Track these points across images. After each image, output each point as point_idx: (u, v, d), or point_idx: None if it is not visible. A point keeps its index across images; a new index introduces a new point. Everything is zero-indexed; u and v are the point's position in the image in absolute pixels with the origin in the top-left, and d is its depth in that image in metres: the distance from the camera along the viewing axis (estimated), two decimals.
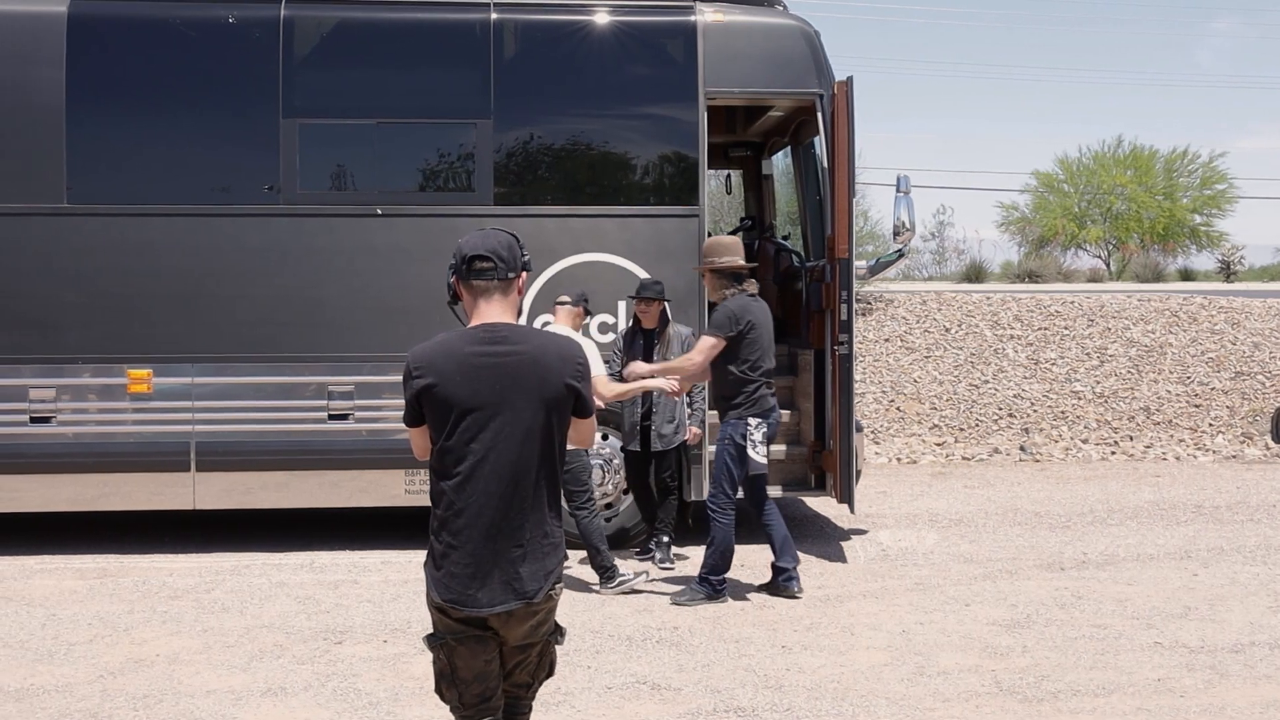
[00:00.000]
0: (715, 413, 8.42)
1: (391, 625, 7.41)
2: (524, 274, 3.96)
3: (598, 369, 7.79)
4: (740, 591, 8.19)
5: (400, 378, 3.92)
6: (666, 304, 8.91)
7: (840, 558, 9.17)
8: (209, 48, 9.42)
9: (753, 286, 8.14)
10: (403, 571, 8.76)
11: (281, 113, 9.31)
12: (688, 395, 8.95)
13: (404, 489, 9.34)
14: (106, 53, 9.39)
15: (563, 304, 8.63)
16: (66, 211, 9.21)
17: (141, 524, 10.07)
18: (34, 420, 9.20)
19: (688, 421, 9.01)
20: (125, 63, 9.42)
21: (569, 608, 7.77)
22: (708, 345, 7.88)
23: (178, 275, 9.26)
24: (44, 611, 7.76)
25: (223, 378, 9.30)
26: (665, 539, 9.00)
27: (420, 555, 8.66)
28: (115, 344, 9.23)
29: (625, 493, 9.41)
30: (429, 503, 8.82)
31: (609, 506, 9.47)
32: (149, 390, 9.25)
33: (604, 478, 9.44)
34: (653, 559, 8.97)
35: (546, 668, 4.06)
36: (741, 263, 8.12)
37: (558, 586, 3.90)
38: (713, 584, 7.91)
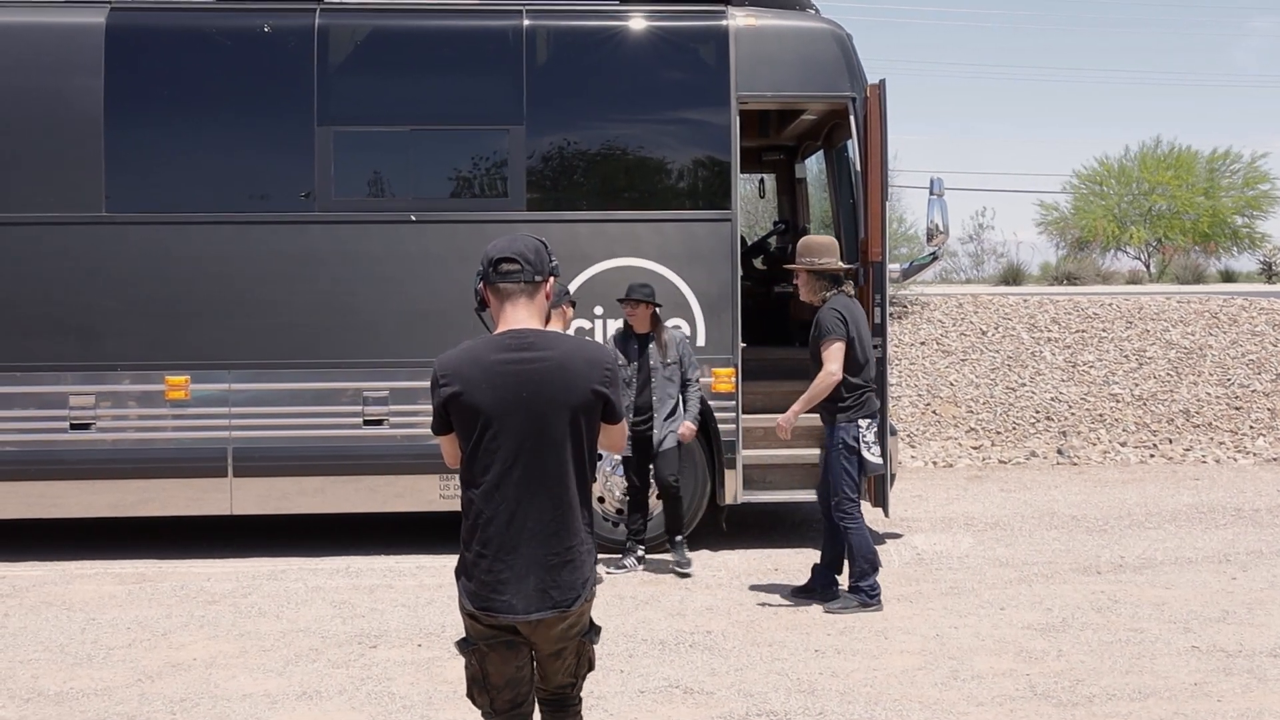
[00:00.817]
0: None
1: (426, 629, 7.45)
2: (551, 279, 3.94)
3: None
4: (774, 596, 8.18)
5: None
6: (657, 308, 8.83)
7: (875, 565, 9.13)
8: (245, 56, 9.51)
9: (850, 288, 8.10)
10: (437, 576, 8.80)
11: (316, 120, 9.39)
12: (682, 391, 8.86)
13: (439, 494, 9.39)
14: (144, 62, 9.49)
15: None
16: (105, 220, 9.32)
17: (179, 529, 10.17)
18: (74, 427, 9.31)
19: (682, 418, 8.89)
20: (162, 72, 9.52)
21: (602, 612, 7.79)
22: (838, 351, 7.71)
23: (214, 282, 9.35)
24: (84, 616, 7.85)
25: (259, 384, 9.38)
26: (678, 539, 8.96)
27: (454, 560, 8.72)
28: (153, 351, 9.33)
29: (656, 497, 9.36)
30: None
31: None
32: (187, 397, 9.34)
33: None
34: (637, 562, 9.03)
35: (586, 664, 4.04)
36: (841, 264, 8.07)
37: (591, 592, 3.89)
38: (865, 591, 7.78)
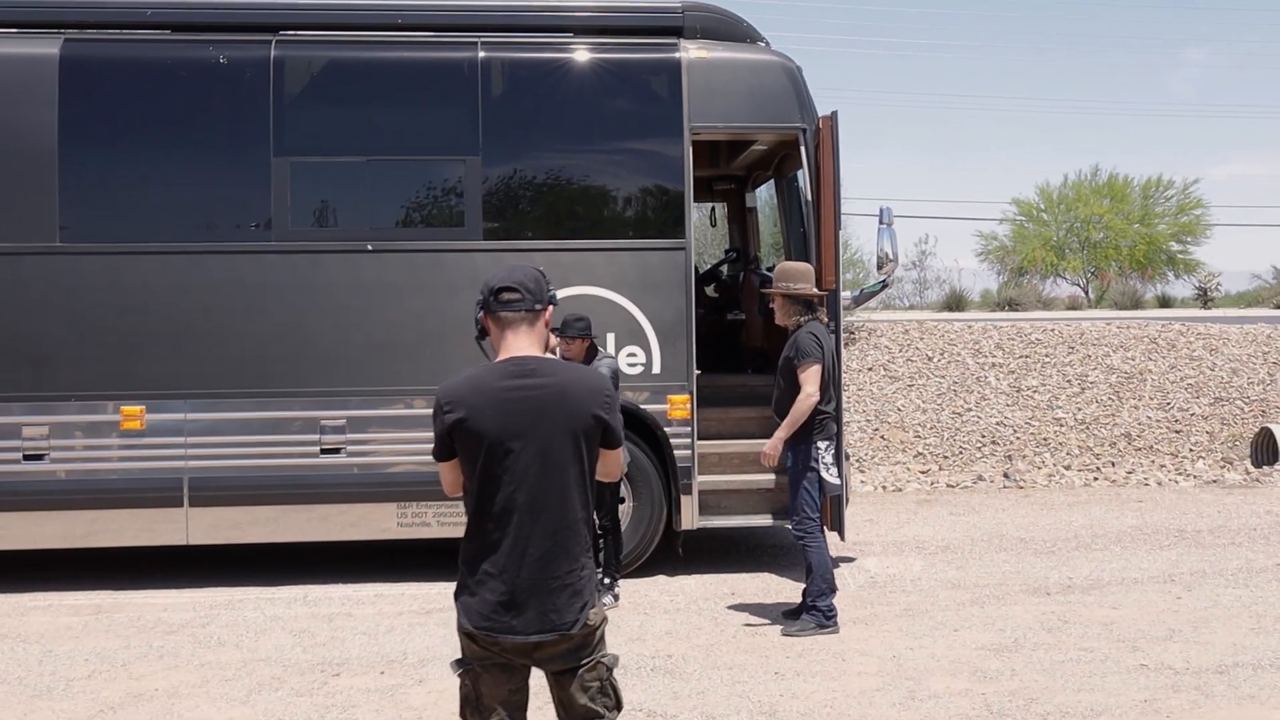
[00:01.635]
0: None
1: (388, 657, 7.48)
2: (550, 307, 4.03)
3: None
4: (731, 619, 8.28)
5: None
6: (595, 339, 8.74)
7: (830, 588, 9.24)
8: (200, 87, 9.53)
9: (824, 314, 8.27)
10: (396, 604, 8.83)
11: (273, 151, 9.43)
12: None
13: (396, 522, 9.40)
14: (98, 93, 9.49)
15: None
16: (59, 250, 9.30)
17: (135, 560, 10.11)
18: (27, 458, 9.26)
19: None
20: (117, 102, 9.52)
21: None
22: (815, 373, 7.87)
23: (170, 312, 9.34)
24: (40, 648, 7.80)
25: (215, 414, 9.37)
26: (606, 581, 8.77)
27: (413, 588, 8.78)
28: (108, 381, 9.30)
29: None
30: (420, 535, 8.92)
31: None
32: (142, 427, 9.32)
33: None
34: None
35: (614, 699, 3.99)
36: (816, 290, 8.23)
37: (593, 615, 3.93)
38: (822, 611, 7.89)
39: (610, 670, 4.00)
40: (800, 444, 7.93)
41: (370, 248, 9.50)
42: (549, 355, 4.12)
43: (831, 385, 8.09)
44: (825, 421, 7.99)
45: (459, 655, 3.98)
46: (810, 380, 7.87)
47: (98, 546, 9.40)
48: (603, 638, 3.99)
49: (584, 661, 3.93)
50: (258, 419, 9.37)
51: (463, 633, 3.92)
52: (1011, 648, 7.47)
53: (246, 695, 6.77)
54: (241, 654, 7.61)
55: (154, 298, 9.35)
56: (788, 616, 8.19)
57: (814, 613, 7.91)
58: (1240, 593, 8.84)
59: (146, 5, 9.70)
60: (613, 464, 4.07)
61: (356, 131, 9.70)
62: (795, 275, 8.18)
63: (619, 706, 4.02)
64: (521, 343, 3.94)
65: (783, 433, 7.96)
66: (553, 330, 8.81)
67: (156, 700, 6.71)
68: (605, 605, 8.81)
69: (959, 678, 6.89)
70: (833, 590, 7.98)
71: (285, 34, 9.67)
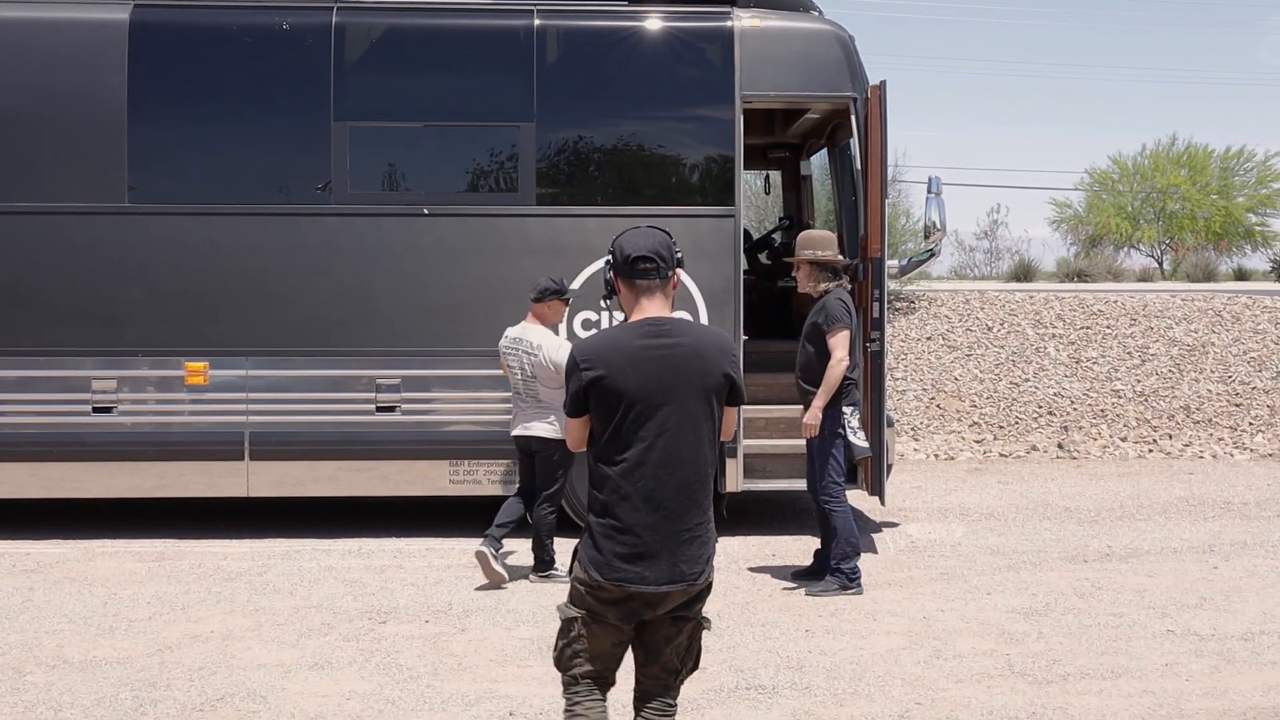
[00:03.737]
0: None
1: (434, 607, 7.76)
2: (679, 270, 4.19)
3: None
4: (769, 580, 8.47)
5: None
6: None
7: (870, 549, 9.41)
8: (263, 53, 9.83)
9: (847, 281, 8.45)
10: (446, 558, 9.11)
11: (333, 116, 9.69)
12: None
13: (449, 479, 9.68)
14: (166, 58, 9.81)
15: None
16: (128, 211, 9.64)
17: (197, 510, 10.50)
18: (96, 410, 9.64)
19: None
20: (184, 68, 9.83)
21: None
22: (845, 339, 8.06)
23: (233, 272, 9.67)
24: (105, 591, 8.17)
25: (276, 370, 9.70)
26: None
27: (463, 543, 9.03)
28: (174, 337, 9.65)
29: None
30: (471, 493, 9.15)
31: None
32: (205, 382, 9.66)
33: None
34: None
35: (694, 658, 4.20)
36: (841, 258, 8.41)
37: (712, 568, 4.10)
38: (845, 573, 8.05)
39: (702, 631, 4.19)
40: (827, 410, 8.09)
41: (426, 211, 9.74)
42: (681, 315, 4.33)
43: (855, 351, 8.27)
44: (850, 387, 8.16)
45: (569, 600, 4.13)
46: (841, 345, 8.02)
47: (164, 497, 9.78)
48: (707, 592, 4.14)
49: (689, 614, 4.10)
50: (315, 377, 9.68)
51: (584, 584, 4.06)
52: (1041, 611, 7.60)
53: (296, 639, 7.08)
54: (295, 601, 7.93)
55: (218, 258, 9.68)
56: (799, 577, 8.37)
57: (838, 574, 8.07)
58: (1278, 563, 8.87)
59: None
60: (730, 421, 4.23)
61: (414, 97, 9.97)
62: (820, 243, 8.35)
63: (696, 667, 4.23)
64: (655, 305, 4.11)
65: (820, 400, 8.10)
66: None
67: (211, 641, 7.03)
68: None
69: (986, 639, 7.03)
70: (857, 553, 8.13)
71: (346, 2, 9.91)
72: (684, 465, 4.01)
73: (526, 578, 8.47)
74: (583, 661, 4.08)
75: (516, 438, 8.52)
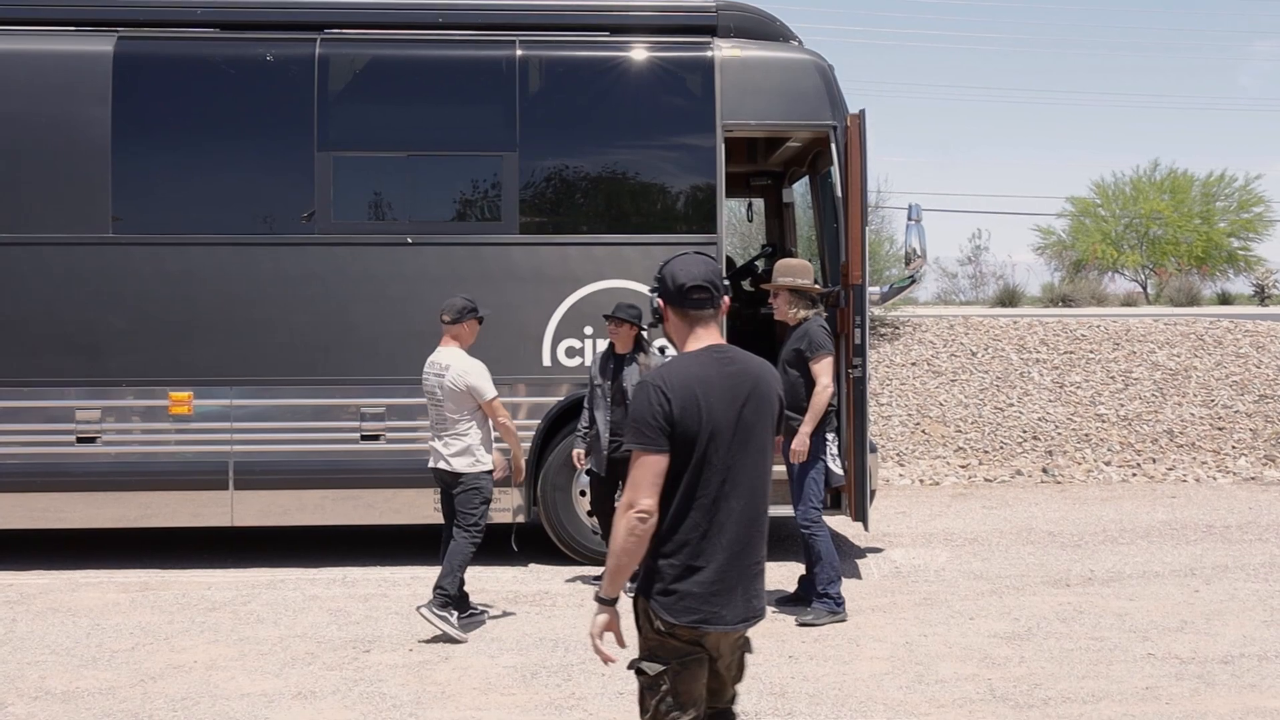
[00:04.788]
0: None
1: (418, 635, 7.75)
2: (727, 297, 4.10)
3: (493, 390, 7.90)
4: None
5: None
6: (643, 330, 8.96)
7: (854, 574, 9.44)
8: (248, 84, 9.88)
9: (823, 310, 8.53)
10: (430, 585, 9.09)
11: (317, 146, 9.74)
12: None
13: (433, 507, 9.67)
14: (150, 89, 9.86)
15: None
16: (112, 241, 9.67)
17: (181, 540, 10.49)
18: (80, 440, 9.64)
19: None
20: (168, 99, 9.88)
21: (589, 619, 8.09)
22: (829, 365, 8.14)
23: (217, 301, 9.69)
24: (89, 621, 8.16)
25: (260, 400, 9.71)
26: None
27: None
28: (158, 367, 9.66)
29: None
30: None
31: None
32: (189, 412, 9.67)
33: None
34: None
35: (742, 672, 4.16)
36: (818, 285, 8.50)
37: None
38: (833, 598, 8.07)
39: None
40: (811, 436, 8.14)
41: (410, 241, 9.78)
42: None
43: (839, 377, 8.35)
44: (830, 414, 8.23)
45: (644, 656, 3.97)
46: (825, 372, 8.08)
47: (151, 527, 9.77)
48: None
49: (745, 645, 4.09)
50: (300, 406, 9.69)
51: (658, 632, 3.90)
52: (1024, 636, 7.63)
53: (280, 669, 7.07)
54: (279, 630, 7.93)
55: (202, 288, 9.70)
56: (784, 604, 8.39)
57: (825, 600, 8.09)
58: (1259, 586, 8.92)
59: (197, 5, 10.06)
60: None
61: (397, 127, 10.02)
62: (798, 270, 8.42)
63: (740, 679, 4.20)
64: (711, 333, 4.02)
65: (807, 426, 8.15)
66: (605, 316, 9.03)
67: (195, 671, 7.03)
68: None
69: (968, 663, 7.06)
70: (839, 577, 8.16)
71: (330, 32, 9.98)
72: (755, 496, 3.93)
73: (418, 610, 7.73)
74: (679, 714, 3.91)
75: (431, 469, 8.10)
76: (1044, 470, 14.57)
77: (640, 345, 9.01)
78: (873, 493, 9.88)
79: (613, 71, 9.98)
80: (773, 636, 7.68)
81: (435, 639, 7.61)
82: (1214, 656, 7.15)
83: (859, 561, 9.91)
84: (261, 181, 9.88)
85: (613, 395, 8.92)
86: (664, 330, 4.13)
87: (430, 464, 8.10)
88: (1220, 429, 15.37)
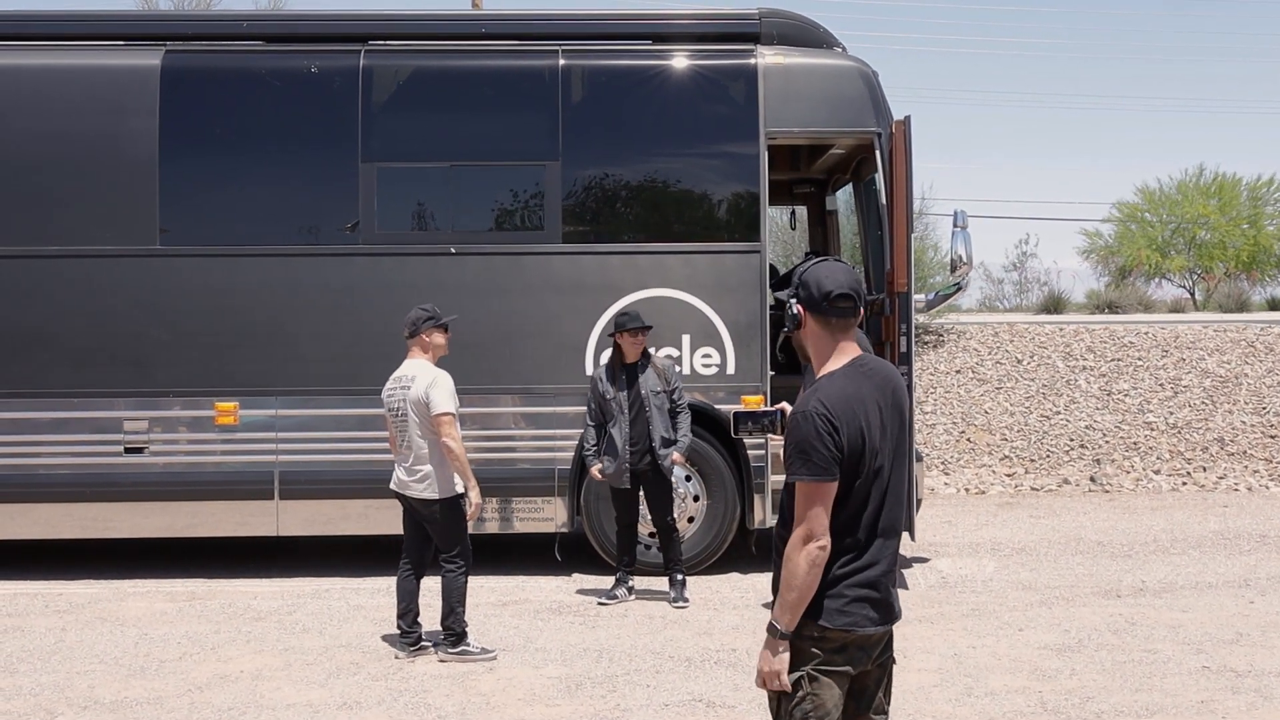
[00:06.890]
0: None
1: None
2: (863, 308, 4.01)
3: (449, 405, 7.50)
4: None
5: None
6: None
7: (900, 584, 9.35)
8: (293, 96, 9.94)
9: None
10: (474, 595, 9.02)
11: (361, 156, 9.78)
12: (673, 419, 8.92)
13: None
14: (196, 102, 9.93)
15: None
16: (159, 253, 9.74)
17: (227, 549, 10.54)
18: (128, 451, 9.71)
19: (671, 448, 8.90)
20: (214, 111, 9.95)
21: (632, 631, 8.07)
22: None
23: (262, 312, 9.74)
24: (137, 631, 8.21)
25: (305, 410, 9.75)
26: (679, 577, 8.94)
27: (492, 581, 8.97)
28: (204, 378, 9.72)
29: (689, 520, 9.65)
30: (510, 530, 8.94)
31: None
32: (235, 422, 9.72)
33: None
34: (667, 598, 8.89)
35: (889, 694, 4.04)
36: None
37: None
38: None
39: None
40: None
41: (453, 250, 9.80)
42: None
43: None
44: None
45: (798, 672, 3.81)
46: None
47: (197, 537, 9.82)
48: None
49: (890, 653, 3.98)
50: (344, 415, 9.73)
51: (807, 637, 3.80)
52: (1075, 648, 7.53)
53: (325, 679, 7.08)
54: (324, 640, 7.94)
55: (247, 298, 9.75)
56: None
57: None
58: None
59: (243, 18, 10.14)
60: None
61: (441, 138, 10.06)
62: None
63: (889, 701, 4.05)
64: (853, 345, 3.93)
65: None
66: (611, 334, 8.99)
67: (241, 681, 7.05)
68: (620, 599, 8.94)
69: (1018, 676, 6.97)
70: None
71: (373, 44, 10.02)
72: (899, 502, 3.89)
73: (435, 653, 7.56)
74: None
75: (396, 494, 7.76)
76: (1092, 479, 14.42)
77: (646, 352, 8.98)
78: (919, 502, 9.82)
79: (655, 80, 9.96)
80: None
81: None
82: (1271, 669, 7.02)
83: (905, 572, 9.82)
84: (306, 193, 9.93)
85: (630, 404, 8.87)
86: (798, 338, 4.05)
87: (394, 487, 7.73)
88: (1272, 437, 15.15)
